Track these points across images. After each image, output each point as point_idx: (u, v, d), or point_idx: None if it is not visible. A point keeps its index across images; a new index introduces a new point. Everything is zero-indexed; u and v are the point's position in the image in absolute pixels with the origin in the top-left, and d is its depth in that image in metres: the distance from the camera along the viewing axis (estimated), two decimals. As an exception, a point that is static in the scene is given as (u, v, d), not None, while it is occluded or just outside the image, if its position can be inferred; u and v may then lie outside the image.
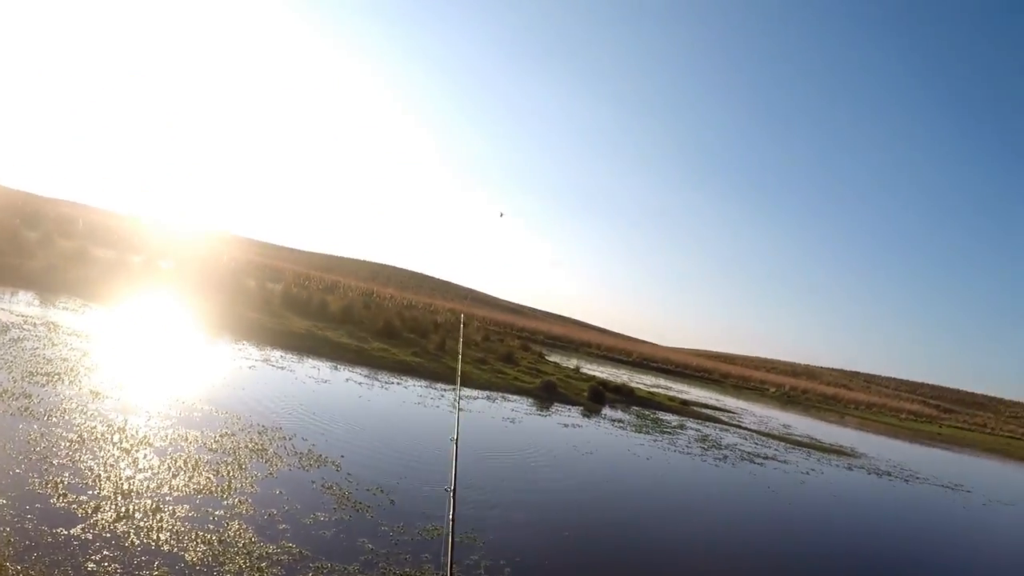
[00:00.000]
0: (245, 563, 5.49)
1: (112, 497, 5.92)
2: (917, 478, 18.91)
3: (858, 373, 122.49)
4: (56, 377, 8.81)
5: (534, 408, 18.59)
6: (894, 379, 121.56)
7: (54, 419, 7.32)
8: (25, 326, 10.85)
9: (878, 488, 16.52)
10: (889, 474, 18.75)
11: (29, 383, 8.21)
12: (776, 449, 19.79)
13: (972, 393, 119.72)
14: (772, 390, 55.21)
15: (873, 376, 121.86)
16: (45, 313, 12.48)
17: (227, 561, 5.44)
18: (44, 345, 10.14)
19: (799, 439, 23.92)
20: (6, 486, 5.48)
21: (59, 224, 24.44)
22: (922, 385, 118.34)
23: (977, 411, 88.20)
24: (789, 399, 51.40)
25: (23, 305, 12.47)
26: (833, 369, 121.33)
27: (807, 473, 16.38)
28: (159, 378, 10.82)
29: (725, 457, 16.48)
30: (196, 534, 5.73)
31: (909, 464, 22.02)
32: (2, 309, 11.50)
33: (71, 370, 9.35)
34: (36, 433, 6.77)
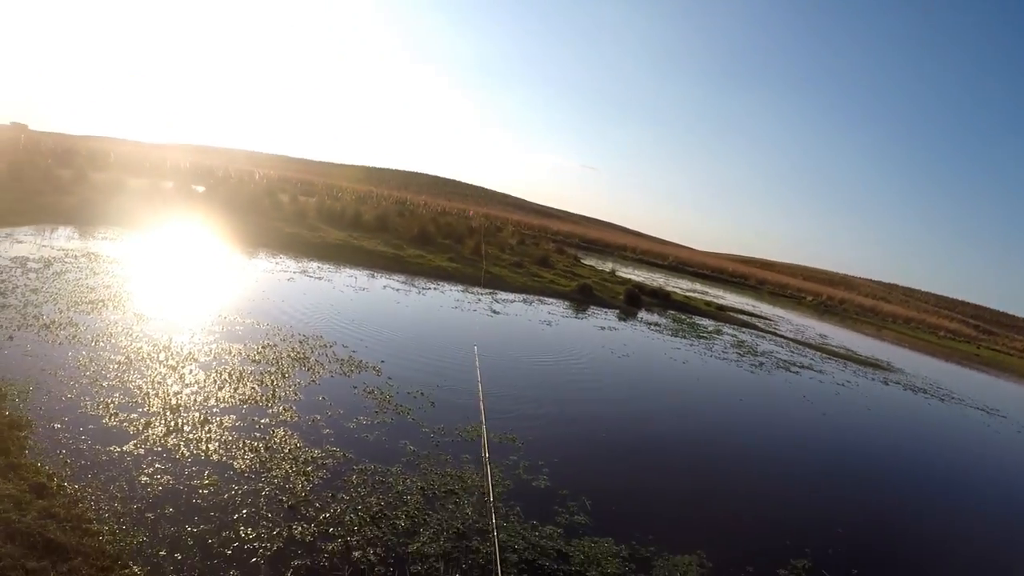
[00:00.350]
0: (291, 468, 5.70)
1: (161, 413, 6.14)
2: (952, 398, 18.51)
3: (896, 286, 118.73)
4: (100, 304, 9.05)
5: (570, 311, 18.68)
6: (933, 295, 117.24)
7: (101, 344, 7.55)
8: (67, 259, 11.10)
9: (912, 405, 16.27)
10: (925, 391, 18.44)
11: (75, 312, 8.44)
12: (812, 358, 19.62)
13: (1013, 316, 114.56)
14: (809, 299, 54.22)
15: (912, 290, 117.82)
16: (85, 245, 12.74)
17: (274, 467, 5.65)
18: (86, 275, 10.38)
19: (835, 350, 23.62)
20: (60, 411, 5.71)
21: (91, 159, 24.65)
22: (962, 303, 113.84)
23: (1017, 335, 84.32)
24: (826, 309, 50.45)
25: (63, 240, 12.73)
26: (871, 280, 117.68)
27: (842, 384, 16.23)
28: (200, 296, 11.04)
29: (761, 364, 16.43)
30: (243, 443, 5.95)
31: (945, 383, 21.52)
32: (44, 245, 11.76)
33: (114, 296, 9.58)
34: (85, 359, 6.99)
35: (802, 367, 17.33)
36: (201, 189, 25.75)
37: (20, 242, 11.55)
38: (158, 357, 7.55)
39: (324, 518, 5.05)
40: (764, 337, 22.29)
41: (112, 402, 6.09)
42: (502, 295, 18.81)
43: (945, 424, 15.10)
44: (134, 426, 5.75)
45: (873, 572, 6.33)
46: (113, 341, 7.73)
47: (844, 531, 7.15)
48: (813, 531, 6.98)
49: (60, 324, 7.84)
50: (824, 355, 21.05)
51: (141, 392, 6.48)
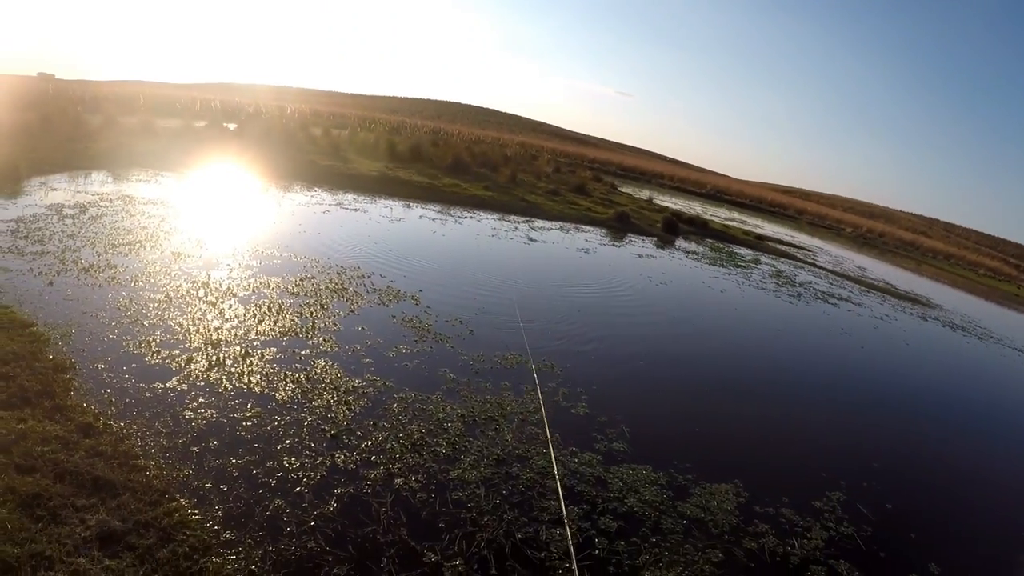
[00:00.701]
0: (332, 398, 5.69)
1: (203, 348, 6.16)
2: (991, 337, 17.68)
3: (937, 221, 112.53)
4: (138, 245, 9.07)
5: (608, 239, 18.49)
6: (975, 231, 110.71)
7: (140, 283, 7.58)
8: (102, 203, 11.12)
9: (951, 342, 15.64)
10: (963, 329, 17.68)
11: (113, 254, 8.47)
12: (850, 291, 19.04)
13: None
14: (848, 230, 52.24)
15: (953, 225, 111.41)
16: (119, 188, 12.75)
17: (315, 397, 5.65)
18: (122, 218, 10.41)
19: (874, 283, 22.82)
20: (103, 351, 5.75)
21: (119, 104, 24.59)
22: (1004, 242, 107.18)
23: (1061, 277, 78.22)
24: (865, 241, 48.49)
25: (97, 185, 12.73)
26: (912, 214, 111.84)
27: (881, 318, 15.72)
28: (237, 232, 11.04)
29: (799, 295, 16.05)
30: (285, 374, 5.95)
31: (984, 322, 20.54)
32: (78, 191, 11.79)
33: (151, 237, 9.61)
34: (125, 299, 7.02)
35: (840, 299, 16.90)
36: (233, 127, 25.65)
37: (55, 189, 11.60)
38: (197, 294, 7.57)
39: (366, 446, 5.04)
40: (802, 268, 21.77)
41: (154, 340, 6.12)
42: (539, 223, 18.63)
43: (983, 362, 14.58)
44: (176, 362, 5.77)
45: (908, 508, 6.19)
46: (152, 280, 7.75)
47: (880, 466, 6.97)
48: (849, 464, 6.83)
49: (99, 267, 7.88)
50: (863, 288, 20.43)
51: (182, 329, 6.51)
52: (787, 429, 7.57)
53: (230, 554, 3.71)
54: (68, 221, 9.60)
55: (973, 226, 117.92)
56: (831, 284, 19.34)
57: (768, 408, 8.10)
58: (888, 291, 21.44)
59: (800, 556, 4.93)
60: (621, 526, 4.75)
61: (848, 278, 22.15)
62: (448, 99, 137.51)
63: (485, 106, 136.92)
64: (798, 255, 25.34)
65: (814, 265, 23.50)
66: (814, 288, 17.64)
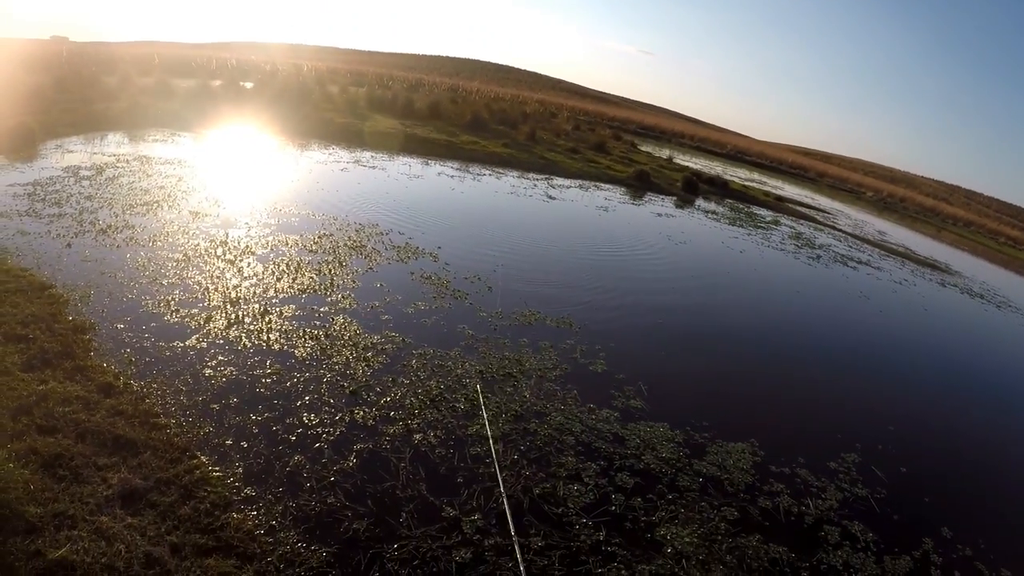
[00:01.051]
0: (351, 354, 5.68)
1: (222, 306, 6.16)
2: (1009, 306, 17.23)
3: (959, 187, 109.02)
4: (155, 205, 9.06)
5: (627, 197, 18.33)
6: (996, 200, 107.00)
7: (159, 243, 7.58)
8: (119, 164, 11.09)
9: (969, 309, 15.28)
10: (982, 297, 17.23)
11: (131, 215, 8.46)
12: (870, 255, 18.67)
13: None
14: (868, 194, 51.14)
15: (974, 193, 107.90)
16: (136, 149, 12.71)
17: (334, 354, 5.64)
18: (139, 178, 10.38)
19: (894, 247, 22.31)
20: (122, 311, 5.76)
21: (135, 64, 24.33)
22: None
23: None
24: (885, 205, 47.34)
25: (114, 146, 12.70)
26: (933, 180, 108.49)
27: (900, 283, 15.41)
28: (254, 191, 10.99)
29: (818, 257, 15.84)
30: (304, 331, 5.95)
31: (1002, 290, 20.00)
32: (95, 153, 11.76)
33: (169, 196, 9.59)
34: (143, 259, 7.02)
35: (860, 262, 16.64)
36: (249, 85, 25.44)
37: (71, 152, 11.58)
38: (216, 252, 7.56)
39: (385, 402, 5.04)
40: (822, 230, 21.45)
41: (173, 299, 6.13)
42: (557, 181, 18.47)
43: (1001, 331, 14.30)
44: (195, 321, 5.78)
45: (922, 471, 6.14)
46: (170, 240, 7.75)
47: (895, 429, 6.89)
48: (864, 427, 6.76)
49: (117, 228, 7.87)
50: (882, 252, 20.04)
51: (201, 288, 6.51)
52: (803, 390, 7.52)
53: (251, 510, 3.73)
54: (85, 183, 9.59)
55: (995, 194, 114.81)
56: (850, 247, 19.02)
57: (785, 369, 8.04)
58: (907, 256, 21.07)
59: (814, 516, 4.90)
60: (638, 483, 4.73)
61: (868, 242, 21.77)
62: (466, 56, 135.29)
63: (504, 63, 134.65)
64: (818, 217, 24.98)
65: (834, 228, 23.12)
66: (833, 251, 17.39)
